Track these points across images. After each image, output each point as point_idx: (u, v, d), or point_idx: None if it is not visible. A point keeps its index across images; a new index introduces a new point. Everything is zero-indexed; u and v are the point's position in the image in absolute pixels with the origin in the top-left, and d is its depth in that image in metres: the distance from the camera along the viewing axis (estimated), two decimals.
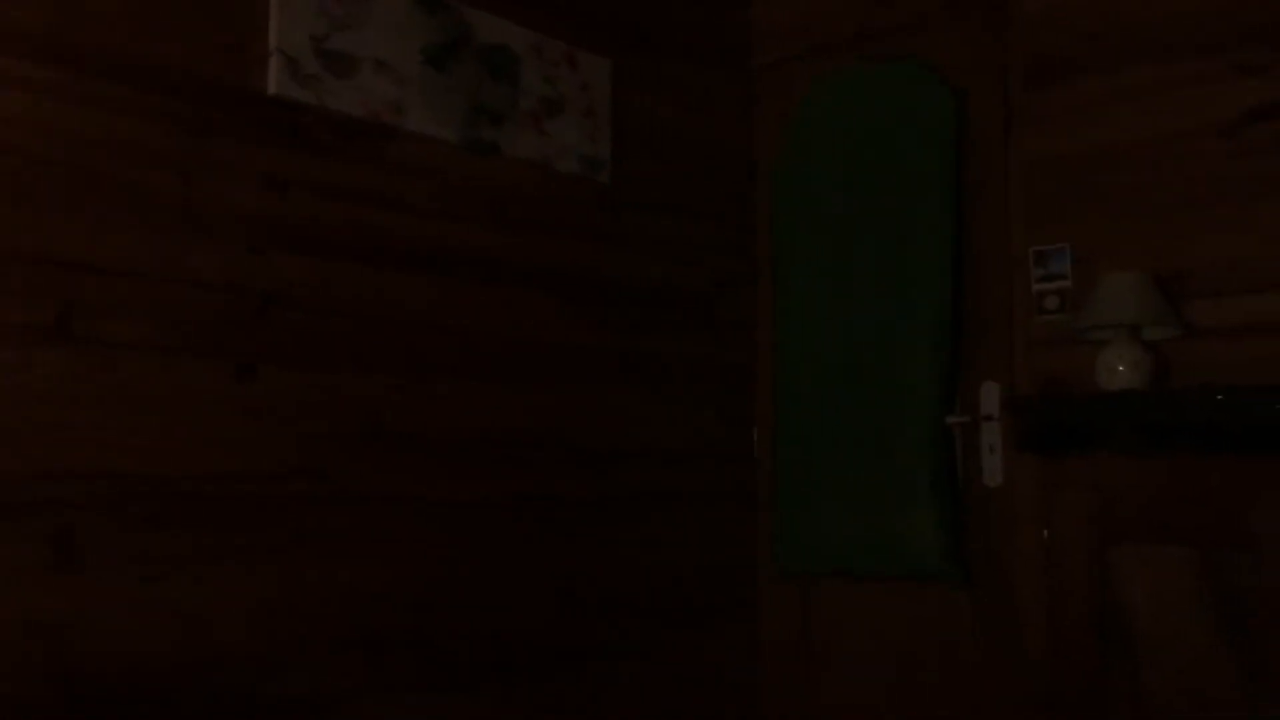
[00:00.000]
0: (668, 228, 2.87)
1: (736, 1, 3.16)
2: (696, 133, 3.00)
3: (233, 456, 1.97)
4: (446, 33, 2.37)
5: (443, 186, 2.36)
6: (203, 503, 1.92)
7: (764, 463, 3.03)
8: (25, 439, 1.73)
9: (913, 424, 2.63)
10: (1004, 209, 2.63)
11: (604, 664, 2.60)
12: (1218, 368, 2.24)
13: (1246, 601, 2.06)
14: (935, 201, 2.67)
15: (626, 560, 2.68)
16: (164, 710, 1.85)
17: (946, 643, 2.66)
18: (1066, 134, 2.52)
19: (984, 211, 2.67)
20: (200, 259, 1.96)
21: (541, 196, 2.56)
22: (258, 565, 1.99)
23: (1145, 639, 2.17)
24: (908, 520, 2.60)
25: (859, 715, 2.80)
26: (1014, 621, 2.53)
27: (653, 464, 2.77)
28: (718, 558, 2.94)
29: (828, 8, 3.02)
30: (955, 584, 2.61)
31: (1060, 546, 2.31)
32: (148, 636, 1.84)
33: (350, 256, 2.19)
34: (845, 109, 2.89)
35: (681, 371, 2.88)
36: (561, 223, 2.60)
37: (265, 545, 2.00)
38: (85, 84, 1.84)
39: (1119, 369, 2.24)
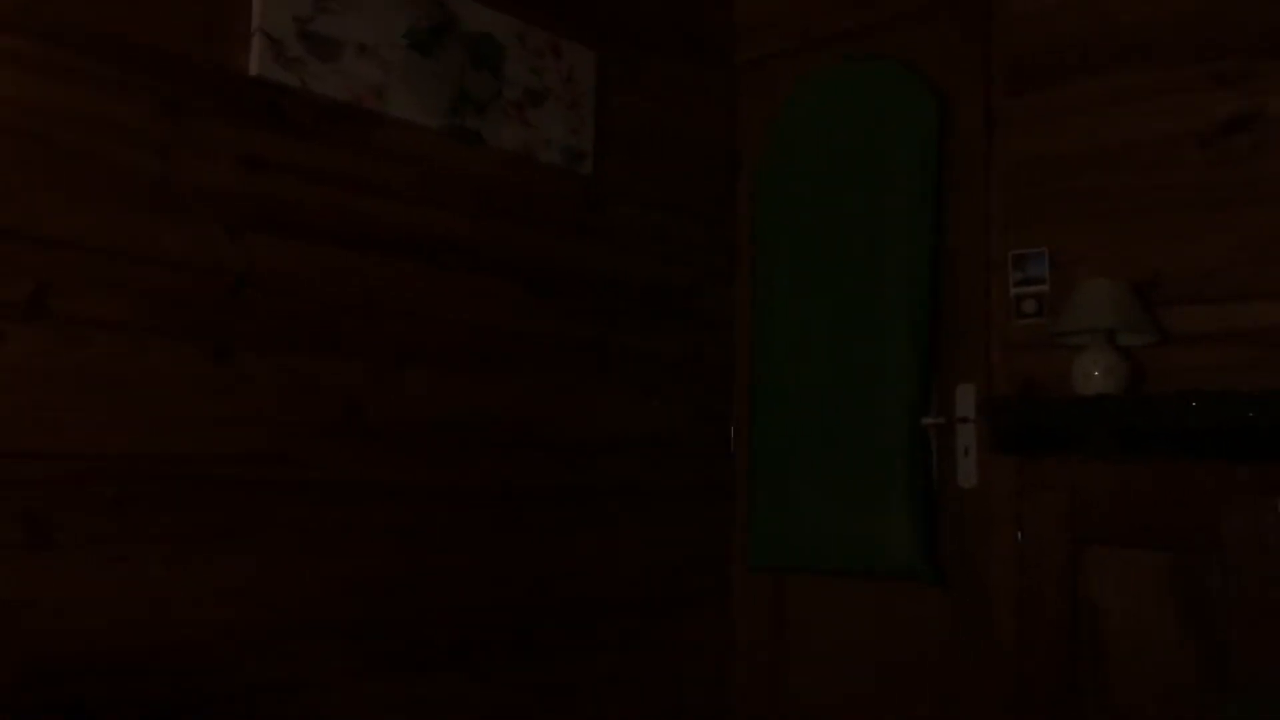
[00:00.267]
0: (649, 222, 2.87)
1: None
2: (679, 128, 3.00)
3: (205, 439, 1.95)
4: (431, 18, 2.35)
5: (424, 173, 2.34)
6: (175, 485, 1.90)
7: (740, 458, 3.04)
8: None
9: (889, 424, 2.64)
10: (984, 212, 2.65)
11: (576, 655, 2.59)
12: (1192, 374, 2.27)
13: (1216, 605, 2.09)
14: (915, 202, 2.68)
15: (600, 552, 2.67)
16: (132, 692, 1.83)
17: (919, 641, 2.67)
18: (1047, 138, 2.54)
19: (964, 213, 2.69)
20: (177, 239, 1.93)
21: (523, 187, 2.55)
22: (229, 549, 1.97)
23: (1115, 640, 2.19)
24: (881, 519, 2.61)
25: (831, 711, 2.81)
26: (986, 621, 2.55)
27: (628, 457, 2.77)
28: (692, 552, 2.94)
29: (811, 6, 3.03)
30: (928, 583, 2.63)
31: (1033, 548, 2.32)
32: (117, 618, 1.81)
33: (329, 241, 2.16)
34: (828, 107, 2.89)
35: (659, 366, 2.87)
36: (542, 214, 2.59)
37: (237, 529, 1.98)
38: (64, 59, 1.81)
39: (1094, 374, 2.26)
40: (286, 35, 2.08)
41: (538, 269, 2.57)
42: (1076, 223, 2.47)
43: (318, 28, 2.14)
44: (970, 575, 2.60)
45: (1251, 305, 2.23)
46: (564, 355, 2.62)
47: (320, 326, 2.14)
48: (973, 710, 2.55)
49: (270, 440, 2.05)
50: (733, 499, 3.05)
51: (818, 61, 2.99)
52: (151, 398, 1.88)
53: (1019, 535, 2.38)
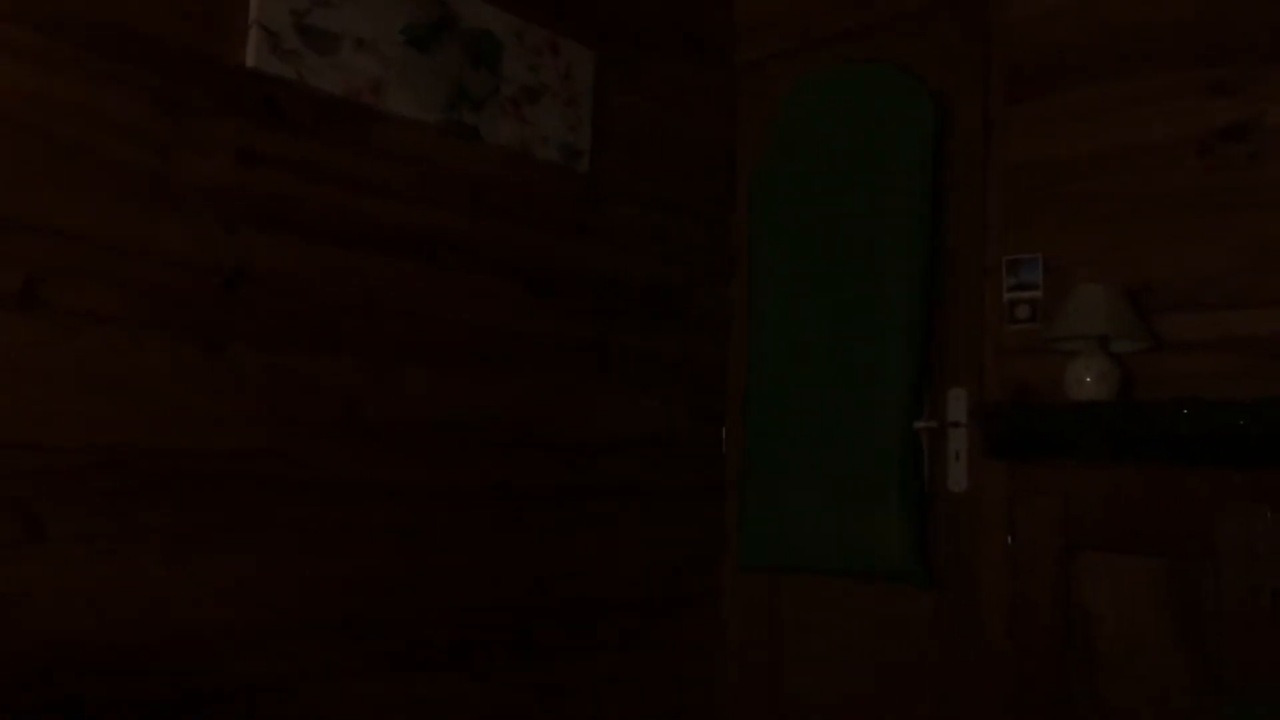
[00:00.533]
0: (646, 221, 2.87)
1: None
2: (678, 127, 2.99)
3: (201, 435, 1.94)
4: (430, 14, 2.34)
5: (421, 170, 2.34)
6: (168, 479, 1.89)
7: (733, 458, 3.04)
8: None
9: (882, 426, 2.64)
10: (980, 216, 2.65)
11: (569, 653, 2.59)
12: (1184, 381, 2.27)
13: (1208, 611, 2.09)
14: (912, 205, 2.68)
15: (596, 552, 2.67)
16: (128, 689, 1.82)
17: (912, 644, 2.67)
18: (1044, 143, 2.54)
19: (960, 217, 2.69)
20: (172, 233, 1.92)
21: (520, 184, 2.54)
22: (225, 546, 1.96)
23: (1107, 645, 2.20)
24: (872, 521, 2.61)
25: (824, 711, 2.81)
26: (978, 625, 2.55)
27: (625, 457, 2.77)
28: (687, 552, 2.94)
29: (811, 7, 3.03)
30: (919, 585, 2.63)
31: (1024, 552, 2.32)
32: (111, 614, 1.80)
33: (325, 236, 2.16)
34: (827, 109, 2.89)
35: (656, 365, 2.87)
36: (539, 212, 2.58)
37: (233, 526, 1.97)
38: (61, 51, 1.80)
39: (1087, 380, 2.26)
40: (284, 28, 2.07)
41: (535, 267, 2.57)
42: (1072, 228, 2.47)
43: (315, 21, 2.13)
44: (962, 579, 2.60)
45: (1245, 313, 2.24)
46: (561, 354, 2.62)
47: (317, 323, 2.13)
48: (965, 714, 2.55)
49: (267, 438, 2.04)
50: (726, 499, 3.05)
51: (817, 62, 2.99)
52: (146, 393, 1.87)
53: (1010, 539, 2.39)
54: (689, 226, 3.01)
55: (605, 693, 2.68)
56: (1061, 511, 2.27)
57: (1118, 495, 2.22)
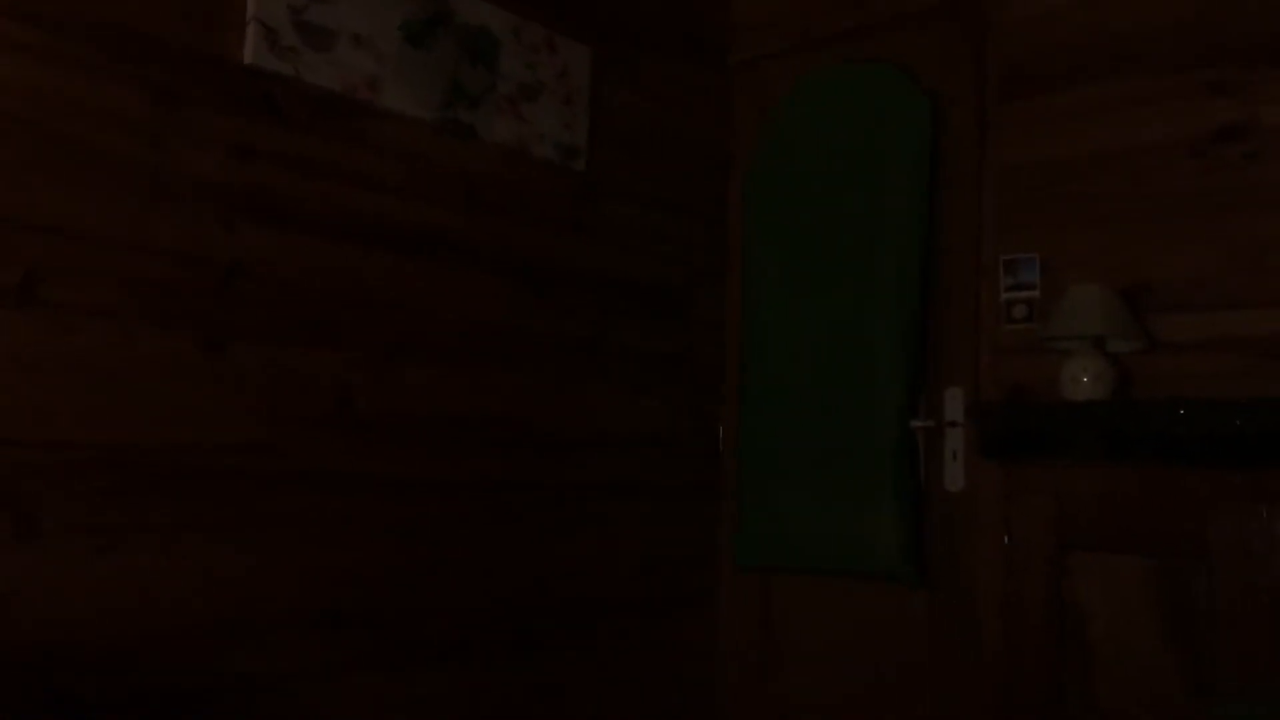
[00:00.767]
0: (641, 219, 2.87)
1: None
2: (673, 126, 2.99)
3: (196, 430, 1.94)
4: (426, 11, 2.34)
5: (417, 167, 2.33)
6: (163, 475, 1.88)
7: (728, 457, 3.04)
8: None
9: (877, 426, 2.64)
10: (976, 216, 2.65)
11: (565, 651, 2.59)
12: (1179, 381, 2.28)
13: (1201, 610, 2.10)
14: (908, 205, 2.68)
15: (590, 549, 2.67)
16: (122, 684, 1.81)
17: (906, 643, 2.67)
18: (1040, 143, 2.54)
19: (956, 217, 2.69)
20: (169, 228, 1.92)
21: (516, 182, 2.54)
22: (217, 540, 1.96)
23: (1100, 645, 2.20)
24: (868, 520, 2.61)
25: (818, 710, 2.81)
26: (972, 625, 2.55)
27: (619, 455, 2.76)
28: (682, 551, 2.94)
29: (808, 7, 3.03)
30: (913, 585, 2.63)
31: (1020, 552, 2.33)
32: (103, 608, 1.80)
33: (320, 233, 2.15)
34: (822, 109, 2.89)
35: (651, 363, 2.87)
36: (535, 209, 2.58)
37: (225, 520, 1.97)
38: (58, 46, 1.79)
39: (1083, 379, 2.27)
40: (281, 24, 2.07)
41: (531, 265, 2.56)
42: (1068, 229, 2.48)
43: (312, 17, 2.12)
44: (955, 578, 2.60)
45: (1240, 314, 2.24)
46: (557, 352, 2.62)
47: (312, 318, 2.13)
48: (959, 713, 2.56)
49: (263, 433, 2.03)
50: (722, 499, 3.05)
51: (814, 63, 2.99)
52: (141, 387, 1.87)
53: (1006, 539, 2.39)
54: (685, 225, 3.01)
55: (601, 691, 2.68)
56: (1056, 511, 2.28)
57: (1112, 495, 2.22)
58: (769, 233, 2.94)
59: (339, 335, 2.17)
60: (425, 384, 2.32)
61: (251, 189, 2.04)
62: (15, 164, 1.73)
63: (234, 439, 1.99)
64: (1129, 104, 2.42)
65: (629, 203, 2.83)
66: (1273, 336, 2.19)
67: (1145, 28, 2.43)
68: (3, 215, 1.72)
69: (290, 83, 2.10)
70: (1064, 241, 2.48)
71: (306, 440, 2.10)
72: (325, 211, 2.16)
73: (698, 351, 3.03)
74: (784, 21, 3.08)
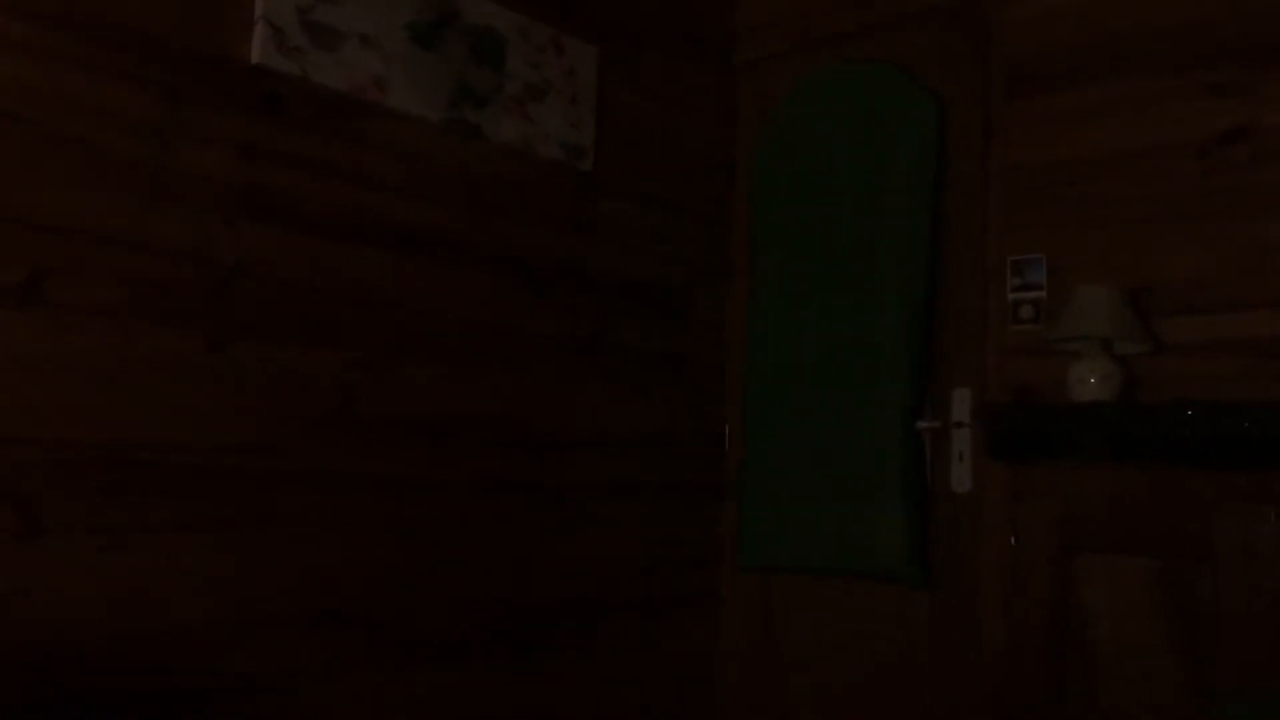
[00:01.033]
0: (646, 219, 2.86)
1: None
2: (678, 126, 2.99)
3: (198, 429, 1.93)
4: (433, 11, 2.33)
5: (422, 166, 2.33)
6: (165, 474, 1.88)
7: (732, 457, 3.04)
8: None
9: (883, 427, 2.64)
10: (982, 216, 2.65)
11: (567, 651, 2.59)
12: (1186, 383, 2.28)
13: (1205, 612, 2.10)
14: (912, 206, 2.68)
15: (589, 548, 2.67)
16: (123, 682, 1.81)
17: (907, 644, 2.67)
18: (1045, 144, 2.54)
19: (961, 218, 2.69)
20: (174, 228, 1.91)
21: (520, 181, 2.54)
22: (218, 539, 1.95)
23: (1103, 646, 2.20)
24: (874, 521, 2.61)
25: (820, 711, 2.81)
26: (976, 625, 2.55)
27: (619, 454, 2.76)
28: (683, 551, 2.94)
29: (811, 7, 3.03)
30: (918, 587, 2.63)
31: (1025, 553, 2.33)
32: (105, 607, 1.80)
33: (325, 232, 2.15)
34: (827, 109, 2.89)
35: (653, 363, 2.87)
36: (540, 209, 2.58)
37: (227, 520, 1.97)
38: (64, 45, 1.79)
39: (1090, 381, 2.27)
40: (289, 24, 2.06)
41: (536, 265, 2.56)
42: (1074, 230, 2.48)
43: (320, 17, 2.12)
44: (960, 579, 2.60)
45: (1246, 316, 2.25)
46: (560, 352, 2.61)
47: (315, 318, 2.13)
48: (960, 714, 2.56)
49: (263, 431, 2.03)
50: (725, 499, 3.04)
51: (817, 63, 2.99)
52: (144, 386, 1.87)
53: (1012, 540, 2.39)
54: (688, 225, 3.01)
55: (601, 691, 2.68)
56: (1061, 512, 2.28)
57: (1118, 496, 2.22)
58: (773, 233, 2.94)
59: (341, 335, 2.17)
60: (427, 384, 2.32)
61: (256, 188, 2.04)
62: (19, 163, 1.73)
63: (235, 438, 1.99)
64: (1133, 105, 2.42)
65: (632, 202, 2.83)
66: (1278, 338, 2.19)
67: (1149, 29, 2.43)
68: (7, 214, 1.72)
69: (297, 82, 2.09)
70: (1070, 242, 2.48)
71: (308, 440, 2.10)
72: (329, 211, 2.16)
73: (699, 351, 3.03)
74: (787, 22, 3.08)
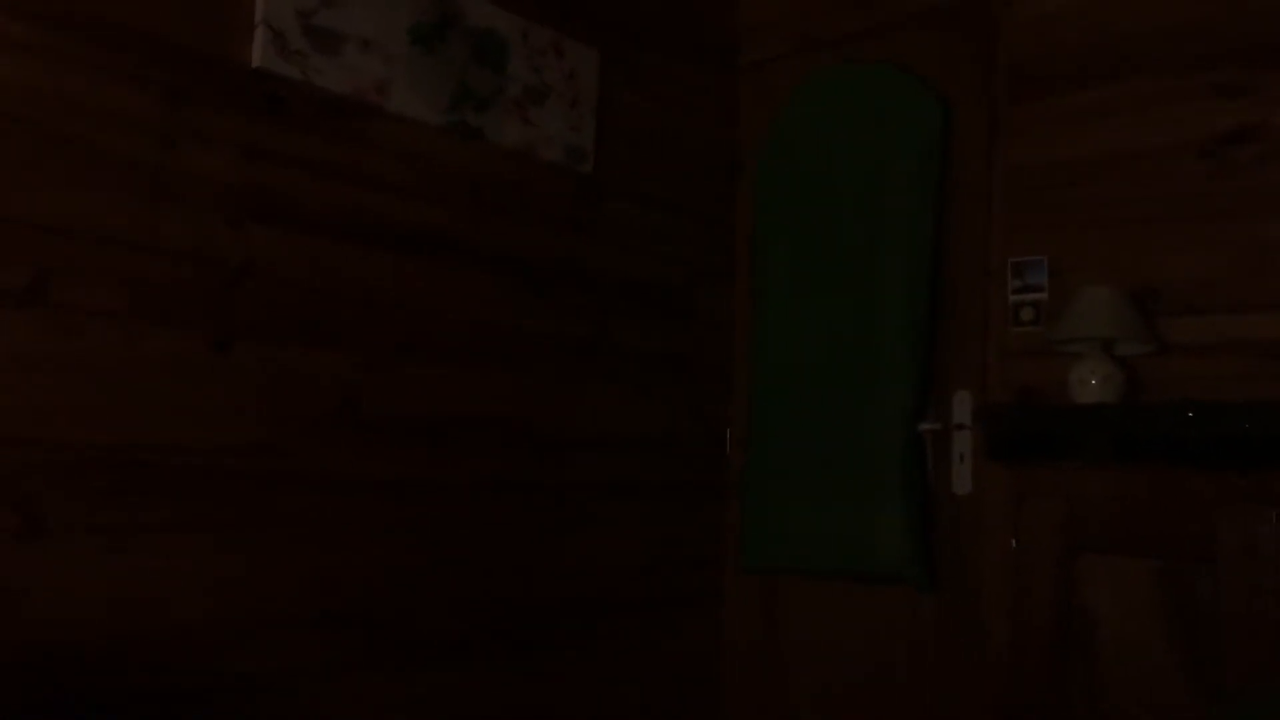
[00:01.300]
0: (648, 221, 2.87)
1: None
2: (680, 128, 2.99)
3: (201, 430, 1.94)
4: (434, 14, 2.34)
5: (424, 168, 2.34)
6: (167, 475, 1.89)
7: (735, 458, 3.04)
8: None
9: (885, 428, 2.63)
10: (984, 218, 2.65)
11: (569, 652, 2.59)
12: (1188, 384, 2.27)
13: (1209, 614, 2.09)
14: (915, 207, 2.68)
15: (590, 549, 2.67)
16: (126, 682, 1.82)
17: (910, 645, 2.67)
18: (1048, 145, 2.54)
19: (963, 220, 2.69)
20: (176, 229, 1.93)
21: (523, 183, 2.54)
22: (222, 540, 1.96)
23: (1106, 647, 2.19)
24: (876, 523, 2.61)
25: (819, 711, 2.81)
26: (979, 627, 2.55)
27: (624, 455, 2.77)
28: (685, 552, 2.94)
29: (814, 8, 3.03)
30: (920, 588, 2.62)
31: (1027, 555, 2.32)
32: (106, 607, 1.81)
33: (328, 234, 2.16)
34: (830, 110, 2.89)
35: (656, 365, 2.87)
36: (541, 211, 2.59)
37: (230, 521, 1.98)
38: (66, 46, 1.80)
39: (1091, 383, 2.26)
40: (289, 28, 2.08)
41: (538, 266, 2.57)
42: (1076, 231, 2.47)
43: (321, 21, 2.13)
44: (962, 581, 2.59)
45: (1249, 317, 2.24)
46: (561, 353, 2.62)
47: (318, 319, 2.14)
48: (964, 715, 2.55)
49: (266, 432, 2.04)
50: (726, 500, 3.04)
51: (820, 64, 2.99)
52: (147, 387, 1.88)
53: (1014, 542, 2.38)
54: (691, 227, 3.01)
55: (603, 691, 2.68)
56: (1064, 514, 2.27)
57: (1121, 498, 2.21)
58: (777, 233, 2.94)
59: (342, 336, 2.18)
60: (429, 384, 2.33)
61: (258, 190, 2.05)
62: (22, 164, 1.74)
63: (238, 439, 2.00)
64: (1137, 106, 2.42)
65: (634, 203, 2.84)
66: None
67: (1154, 29, 2.42)
68: (10, 215, 1.73)
69: (298, 86, 2.11)
70: (1072, 244, 2.47)
71: (309, 440, 2.11)
72: (330, 213, 2.17)
73: (701, 352, 3.03)
74: (790, 23, 3.09)
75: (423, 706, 2.28)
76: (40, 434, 1.74)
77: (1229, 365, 2.24)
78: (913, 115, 2.72)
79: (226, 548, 1.97)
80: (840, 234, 2.80)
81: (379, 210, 2.25)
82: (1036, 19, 2.59)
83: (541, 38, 2.57)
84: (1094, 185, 2.46)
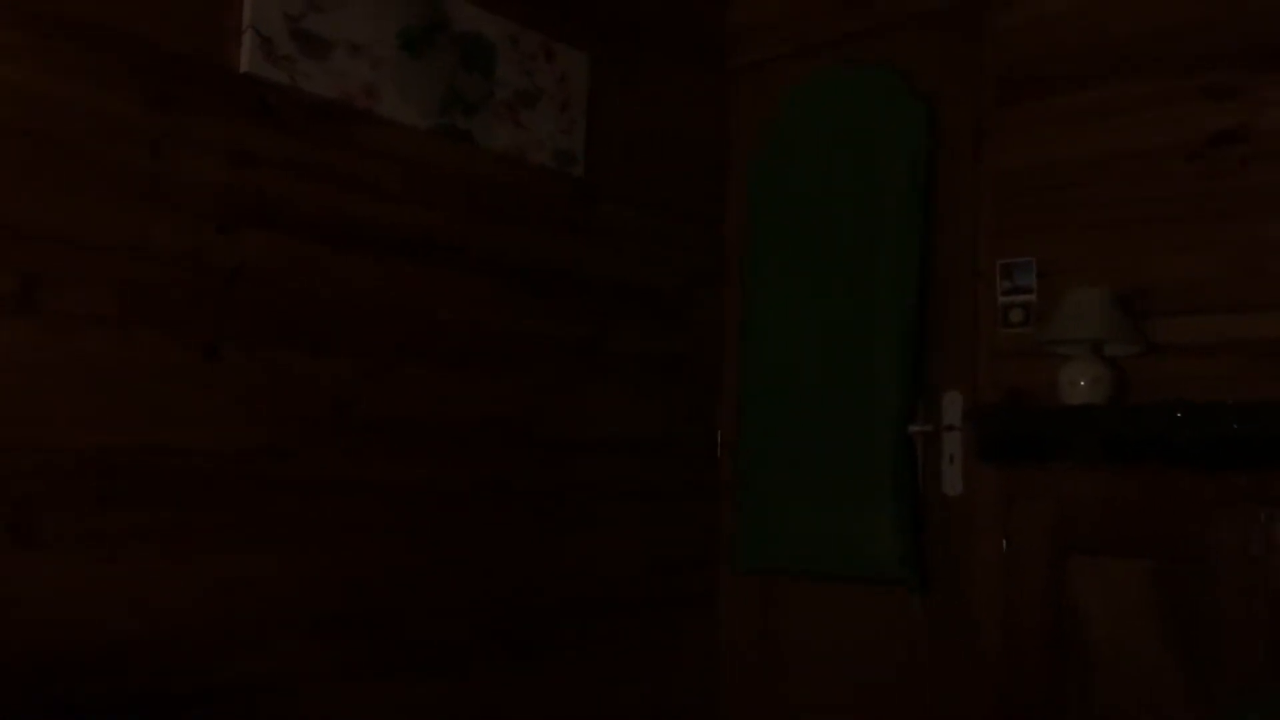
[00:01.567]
0: (639, 224, 2.87)
1: (714, 2, 3.16)
2: (671, 130, 3.00)
3: (193, 435, 1.94)
4: (423, 18, 2.34)
5: (414, 173, 2.34)
6: (161, 481, 1.89)
7: (726, 461, 3.04)
8: None
9: (875, 430, 2.64)
10: (973, 220, 2.65)
11: (565, 654, 2.59)
12: (1177, 384, 2.27)
13: (1200, 614, 2.09)
14: (905, 210, 2.68)
15: (588, 550, 2.67)
16: (120, 689, 1.81)
17: (905, 647, 2.67)
18: (1037, 148, 2.55)
19: (952, 222, 2.69)
20: (167, 234, 1.92)
21: (514, 187, 2.54)
22: (215, 546, 1.96)
23: (1098, 648, 2.20)
24: (867, 524, 2.61)
25: (816, 711, 2.81)
26: (971, 628, 2.55)
27: (619, 457, 2.77)
28: (680, 553, 2.94)
29: (805, 11, 3.03)
30: (912, 589, 2.63)
31: (1018, 556, 2.33)
32: (102, 614, 1.80)
33: (318, 238, 2.16)
34: (820, 113, 2.90)
35: (649, 367, 2.87)
36: (533, 214, 2.59)
37: (223, 526, 1.97)
38: (54, 51, 1.80)
39: (1081, 384, 2.27)
40: (277, 33, 2.07)
41: (530, 269, 2.57)
42: (1065, 233, 2.48)
43: (309, 26, 2.13)
44: (955, 583, 2.60)
45: (1237, 317, 2.24)
46: (556, 355, 2.62)
47: (310, 323, 2.13)
48: (959, 716, 2.55)
49: (258, 437, 2.03)
50: (719, 502, 3.05)
51: (812, 66, 2.99)
52: (139, 392, 1.87)
53: (1005, 544, 2.39)
54: (684, 229, 3.01)
55: (601, 692, 2.68)
56: (1054, 515, 2.28)
57: (1111, 499, 2.22)
58: (769, 235, 2.94)
59: (338, 340, 2.18)
60: (424, 387, 2.33)
61: (249, 195, 2.05)
62: (12, 170, 1.74)
63: (233, 444, 1.99)
64: (1126, 108, 2.42)
65: (627, 206, 2.84)
66: (1270, 339, 2.19)
67: (1143, 32, 2.43)
68: (1, 222, 1.72)
69: (287, 91, 2.10)
70: (1061, 245, 2.48)
71: (306, 444, 2.10)
72: (323, 217, 2.17)
73: (696, 354, 3.03)
74: (782, 25, 3.09)
75: (421, 708, 2.27)
76: (32, 439, 1.74)
77: (1218, 366, 2.25)
78: (903, 117, 2.72)
79: (222, 552, 1.96)
80: (831, 236, 2.80)
81: (370, 214, 2.25)
82: (1027, 22, 2.60)
83: (531, 42, 2.57)
84: (1083, 187, 2.47)
